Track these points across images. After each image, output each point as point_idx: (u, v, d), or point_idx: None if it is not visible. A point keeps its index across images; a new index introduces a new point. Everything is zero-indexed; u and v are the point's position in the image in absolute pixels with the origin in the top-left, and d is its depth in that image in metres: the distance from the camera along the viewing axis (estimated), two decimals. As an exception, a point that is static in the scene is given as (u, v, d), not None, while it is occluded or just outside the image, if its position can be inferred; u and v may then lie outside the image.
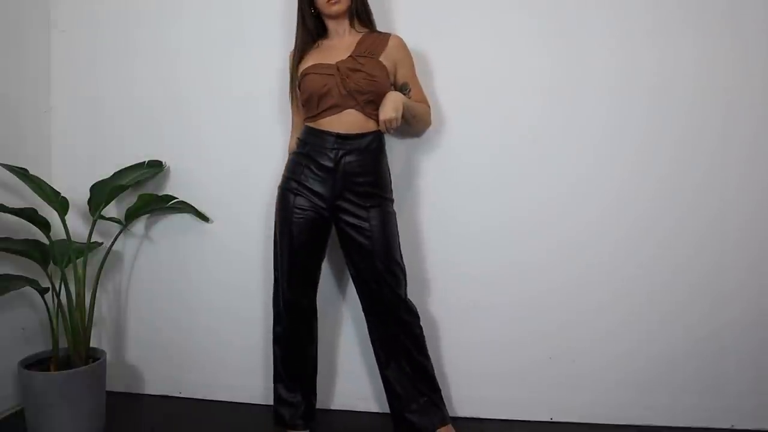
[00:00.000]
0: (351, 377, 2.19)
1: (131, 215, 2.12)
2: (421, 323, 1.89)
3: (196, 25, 2.19)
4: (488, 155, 2.07)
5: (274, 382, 1.97)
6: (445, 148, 2.08)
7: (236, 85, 2.17)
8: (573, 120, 2.03)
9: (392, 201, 1.89)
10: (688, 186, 2.01)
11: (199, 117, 2.21)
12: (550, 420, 2.10)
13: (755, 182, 1.99)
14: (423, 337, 1.89)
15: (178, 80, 2.21)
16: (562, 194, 2.06)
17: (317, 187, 1.80)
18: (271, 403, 2.19)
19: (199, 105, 2.20)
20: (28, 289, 1.96)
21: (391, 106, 1.74)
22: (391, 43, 1.86)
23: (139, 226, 2.28)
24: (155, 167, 2.18)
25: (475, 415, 2.12)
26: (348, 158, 1.79)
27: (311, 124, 1.84)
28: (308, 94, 1.80)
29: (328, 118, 1.79)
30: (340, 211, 1.81)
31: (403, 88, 1.86)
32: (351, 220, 1.80)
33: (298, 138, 1.89)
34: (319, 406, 2.05)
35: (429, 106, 1.97)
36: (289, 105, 2.00)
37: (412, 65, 1.92)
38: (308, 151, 1.82)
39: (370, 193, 1.81)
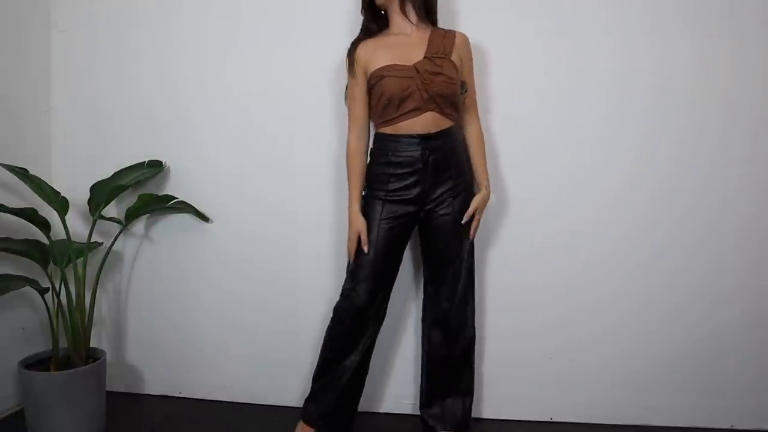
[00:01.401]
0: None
1: (131, 215, 2.12)
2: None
3: (196, 25, 2.19)
4: (487, 154, 2.07)
5: (313, 381, 1.93)
6: (445, 148, 2.08)
7: (236, 85, 2.17)
8: (572, 120, 2.04)
9: (472, 189, 1.89)
10: (688, 186, 2.01)
11: (198, 117, 2.20)
12: (549, 420, 2.10)
13: (755, 182, 1.99)
14: (474, 338, 1.93)
15: (178, 80, 2.21)
16: (561, 193, 2.06)
17: (409, 191, 1.79)
18: (271, 403, 2.21)
19: (198, 105, 2.20)
20: (28, 289, 1.96)
21: (481, 211, 1.86)
22: (458, 40, 1.84)
23: (139, 226, 2.28)
24: (155, 167, 2.18)
25: (474, 415, 2.11)
26: (434, 156, 1.78)
27: (388, 130, 1.80)
28: (388, 98, 1.76)
29: (408, 121, 1.77)
30: (430, 207, 1.82)
31: (461, 86, 1.85)
32: (441, 210, 1.82)
33: (374, 148, 1.87)
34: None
35: (477, 114, 1.93)
36: (344, 101, 1.94)
37: (472, 65, 1.90)
38: (391, 159, 1.79)
39: (457, 183, 1.82)
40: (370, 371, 1.96)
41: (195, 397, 2.28)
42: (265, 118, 2.15)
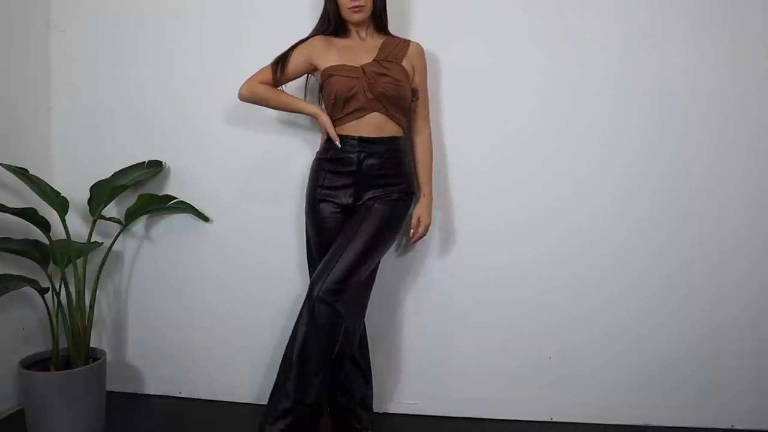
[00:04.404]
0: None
1: (131, 215, 2.12)
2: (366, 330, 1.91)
3: (196, 25, 2.19)
4: (489, 156, 2.08)
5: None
6: (446, 150, 2.09)
7: (236, 85, 2.14)
8: (573, 122, 2.04)
9: (410, 201, 1.88)
10: (688, 186, 2.01)
11: (199, 117, 2.20)
12: (550, 420, 2.10)
13: (755, 182, 1.99)
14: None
15: (178, 80, 2.21)
16: (563, 195, 2.06)
17: (342, 190, 1.82)
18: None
19: (198, 105, 2.20)
20: (28, 289, 1.96)
21: (427, 220, 1.91)
22: (412, 48, 1.89)
23: (139, 226, 2.28)
24: (155, 167, 2.18)
25: (475, 415, 2.12)
26: (370, 161, 1.80)
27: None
28: (334, 97, 1.80)
29: (353, 122, 1.80)
30: (359, 205, 1.82)
31: (413, 94, 1.88)
32: (363, 208, 1.80)
33: (323, 143, 1.89)
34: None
35: (428, 123, 1.96)
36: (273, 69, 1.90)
37: (426, 74, 1.94)
38: (331, 156, 1.83)
39: (389, 192, 1.82)
40: (373, 373, 1.99)
41: (195, 397, 2.28)
42: (265, 117, 2.15)
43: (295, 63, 1.88)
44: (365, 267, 1.75)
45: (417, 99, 1.90)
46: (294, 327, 1.73)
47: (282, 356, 1.75)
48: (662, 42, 1.98)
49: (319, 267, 1.73)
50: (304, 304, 1.71)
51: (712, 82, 1.97)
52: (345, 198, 1.82)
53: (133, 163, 2.17)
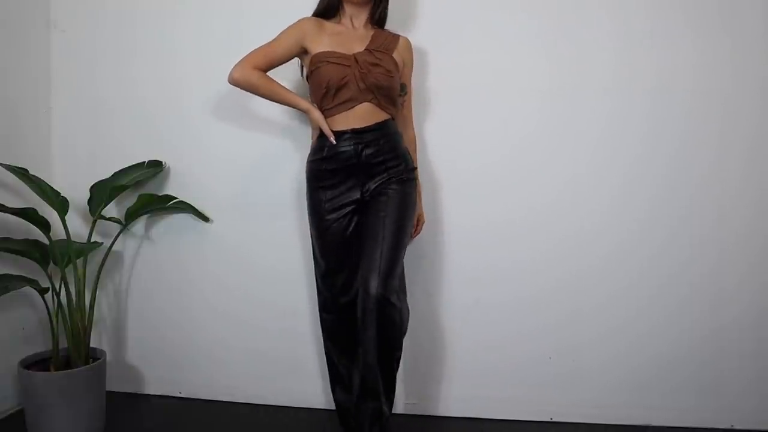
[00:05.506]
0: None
1: (131, 215, 2.12)
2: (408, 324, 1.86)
3: (196, 25, 2.19)
4: (487, 156, 2.08)
5: (331, 384, 1.97)
6: (445, 149, 2.09)
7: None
8: (572, 121, 2.04)
9: (414, 179, 1.87)
10: (688, 187, 2.01)
11: (199, 117, 2.20)
12: (550, 420, 2.10)
13: (755, 182, 1.99)
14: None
15: (178, 80, 2.21)
16: (562, 194, 2.06)
17: (344, 186, 1.80)
18: (271, 403, 2.21)
19: (198, 105, 2.20)
20: (28, 289, 1.96)
21: (424, 218, 2.01)
22: (401, 43, 1.89)
23: (139, 226, 2.28)
24: (155, 167, 2.18)
25: (475, 415, 2.12)
26: (368, 150, 1.78)
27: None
28: (325, 85, 1.75)
29: (343, 113, 1.77)
30: (369, 197, 1.80)
31: (401, 89, 1.88)
32: (380, 198, 1.79)
33: (313, 143, 1.87)
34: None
35: (412, 118, 1.99)
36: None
37: (412, 70, 1.95)
38: (326, 154, 1.80)
39: (392, 175, 1.80)
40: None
41: (195, 397, 2.28)
42: (265, 117, 2.15)
43: (285, 46, 1.81)
44: (403, 252, 1.78)
45: (405, 94, 1.89)
46: (360, 332, 1.70)
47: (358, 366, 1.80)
48: (662, 42, 1.98)
49: (363, 264, 1.71)
50: (363, 305, 1.67)
51: (711, 82, 1.97)
52: (351, 193, 1.80)
53: (133, 163, 2.17)
